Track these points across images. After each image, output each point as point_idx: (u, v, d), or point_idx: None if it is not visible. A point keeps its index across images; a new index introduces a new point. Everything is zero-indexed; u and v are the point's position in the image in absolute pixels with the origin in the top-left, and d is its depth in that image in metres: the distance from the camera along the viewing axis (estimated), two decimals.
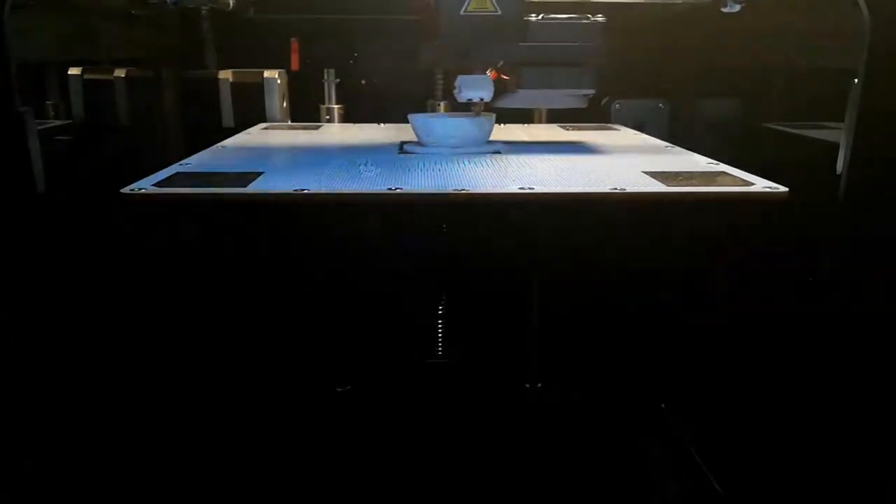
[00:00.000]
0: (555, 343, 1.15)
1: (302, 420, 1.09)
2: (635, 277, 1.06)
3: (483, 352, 1.16)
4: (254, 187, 0.70)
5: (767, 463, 0.88)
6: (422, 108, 1.20)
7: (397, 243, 0.94)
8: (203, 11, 1.24)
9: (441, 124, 0.92)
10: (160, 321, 1.01)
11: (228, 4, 1.15)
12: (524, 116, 1.24)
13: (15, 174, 0.68)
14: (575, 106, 0.92)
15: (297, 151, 0.93)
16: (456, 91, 0.90)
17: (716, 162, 0.84)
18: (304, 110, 1.26)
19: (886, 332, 0.71)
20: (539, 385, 1.17)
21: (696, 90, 1.20)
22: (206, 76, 1.20)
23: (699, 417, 1.07)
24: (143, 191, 0.69)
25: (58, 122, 1.10)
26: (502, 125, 1.13)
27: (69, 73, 1.12)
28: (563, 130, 1.15)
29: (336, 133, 1.13)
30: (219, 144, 0.97)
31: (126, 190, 0.68)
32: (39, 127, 0.73)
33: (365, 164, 0.81)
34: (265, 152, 0.93)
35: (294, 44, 1.25)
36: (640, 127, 1.21)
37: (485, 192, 0.69)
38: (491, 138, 0.96)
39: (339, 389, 1.15)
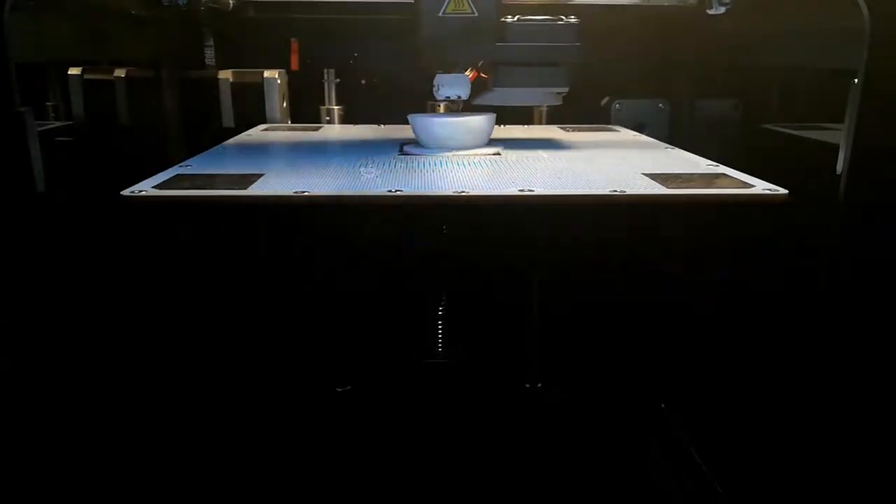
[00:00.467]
0: (555, 343, 1.15)
1: (302, 420, 1.09)
2: (635, 278, 1.06)
3: (483, 352, 1.16)
4: (254, 189, 0.70)
5: (767, 463, 0.88)
6: (421, 109, 1.20)
7: (397, 244, 0.94)
8: (203, 11, 1.23)
9: (441, 125, 0.92)
10: (161, 322, 1.01)
11: (228, 4, 1.15)
12: (524, 117, 1.24)
13: (15, 174, 0.68)
14: (550, 103, 0.94)
15: (298, 153, 0.94)
16: (434, 89, 0.93)
17: (715, 163, 0.84)
18: (305, 110, 1.26)
19: (886, 332, 0.71)
20: (539, 385, 1.17)
21: (697, 90, 1.20)
22: (206, 76, 1.20)
23: (699, 417, 1.08)
24: (144, 193, 0.69)
25: (58, 124, 1.10)
26: (502, 126, 1.13)
27: (69, 73, 1.12)
28: (562, 131, 1.15)
29: (336, 134, 1.13)
30: (219, 146, 0.97)
31: (126, 192, 0.69)
32: (40, 128, 0.73)
33: (365, 166, 0.81)
34: (265, 154, 0.93)
35: (294, 44, 1.25)
36: (640, 127, 1.21)
37: (484, 194, 0.69)
38: (492, 138, 0.96)
39: (339, 389, 1.15)
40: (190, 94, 1.20)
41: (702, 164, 0.84)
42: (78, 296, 0.83)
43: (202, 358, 1.06)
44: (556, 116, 1.25)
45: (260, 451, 1.02)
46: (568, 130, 1.16)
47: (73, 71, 1.13)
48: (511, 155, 0.91)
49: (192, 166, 0.82)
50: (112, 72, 1.14)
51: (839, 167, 0.74)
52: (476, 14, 0.88)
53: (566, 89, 0.93)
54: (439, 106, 1.15)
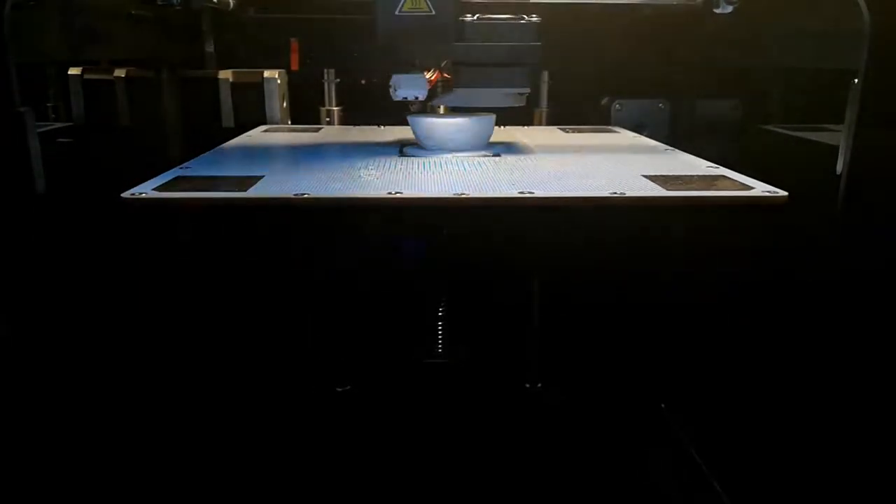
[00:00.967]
0: (555, 343, 1.15)
1: (302, 420, 1.09)
2: (635, 279, 1.06)
3: (483, 352, 1.17)
4: (254, 191, 0.70)
5: (767, 463, 0.89)
6: (421, 110, 1.20)
7: (398, 246, 0.94)
8: (203, 11, 1.24)
9: (440, 126, 0.92)
10: (162, 324, 1.01)
11: (228, 4, 1.15)
12: (524, 118, 1.24)
13: (15, 174, 0.68)
14: (512, 104, 0.93)
15: (298, 154, 0.94)
16: (391, 90, 0.92)
17: (715, 165, 0.84)
18: (304, 110, 1.26)
19: (886, 332, 0.72)
20: (539, 385, 1.17)
21: (697, 90, 1.20)
22: (206, 76, 1.20)
23: (699, 417, 1.08)
24: (144, 195, 0.69)
25: (58, 125, 1.10)
26: (502, 127, 1.13)
27: (69, 73, 1.12)
28: (562, 132, 1.15)
29: (336, 135, 1.13)
30: (219, 147, 0.97)
31: (127, 194, 0.69)
32: (40, 130, 0.73)
33: (365, 168, 0.81)
34: (265, 155, 0.93)
35: (294, 44, 1.25)
36: (640, 127, 1.21)
37: (485, 196, 0.69)
38: (491, 140, 0.96)
39: (339, 389, 1.15)
40: (190, 94, 1.20)
41: (701, 166, 0.84)
42: (78, 297, 0.83)
43: (203, 359, 1.06)
44: (556, 117, 1.25)
45: (260, 451, 1.02)
46: (567, 131, 1.16)
47: (73, 71, 1.13)
48: (511, 156, 0.91)
49: (192, 168, 0.82)
50: (112, 72, 1.14)
51: (839, 167, 0.74)
52: (434, 13, 0.86)
53: (528, 90, 0.91)
54: (439, 107, 1.15)
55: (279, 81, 1.19)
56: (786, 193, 0.70)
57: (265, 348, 1.11)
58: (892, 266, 0.71)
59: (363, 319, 1.14)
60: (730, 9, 0.98)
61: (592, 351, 1.14)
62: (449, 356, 1.17)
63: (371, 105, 1.26)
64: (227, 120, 1.19)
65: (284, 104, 1.22)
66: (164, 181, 0.74)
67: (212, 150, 0.94)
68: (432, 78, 0.92)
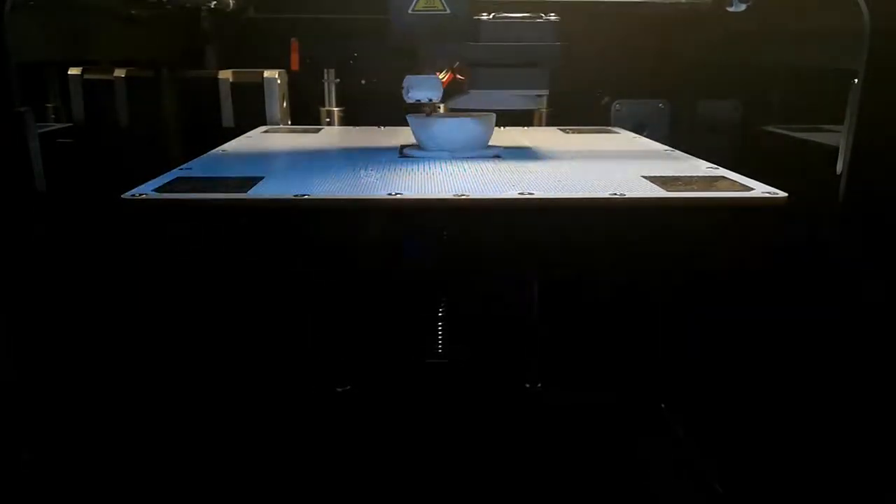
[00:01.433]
0: (555, 343, 1.15)
1: (302, 420, 1.09)
2: (635, 280, 1.06)
3: (483, 352, 1.17)
4: (254, 193, 0.70)
5: (767, 463, 0.89)
6: (421, 110, 1.20)
7: (397, 247, 0.94)
8: (203, 11, 1.24)
9: (440, 127, 0.92)
10: (162, 324, 1.01)
11: (228, 4, 1.15)
12: (524, 119, 1.24)
13: (15, 174, 0.68)
14: (530, 107, 0.92)
15: (298, 155, 0.94)
16: (404, 91, 0.90)
17: (715, 166, 0.84)
18: (304, 110, 1.26)
19: (886, 332, 0.72)
20: (539, 385, 1.17)
21: (697, 91, 1.20)
22: (206, 76, 1.20)
23: (699, 417, 1.08)
24: (144, 196, 0.69)
25: (58, 126, 1.10)
26: (502, 128, 1.13)
27: (69, 73, 1.12)
28: (562, 133, 1.15)
29: (336, 136, 1.13)
30: (219, 148, 0.97)
31: (127, 195, 0.69)
32: (40, 130, 0.73)
33: (365, 169, 0.81)
34: (266, 156, 0.93)
35: (294, 44, 1.25)
36: (640, 127, 1.21)
37: (485, 197, 0.70)
38: (491, 141, 0.96)
39: (339, 389, 1.15)
40: (190, 94, 1.20)
41: (701, 167, 0.85)
42: (78, 298, 0.83)
43: (203, 359, 1.06)
44: (557, 117, 1.25)
45: (260, 451, 1.02)
46: (567, 132, 1.16)
47: (73, 71, 1.13)
48: (511, 158, 0.91)
49: (193, 169, 0.82)
50: (112, 72, 1.14)
51: (839, 167, 0.74)
52: (448, 11, 0.84)
53: (546, 92, 0.89)
54: (439, 107, 1.15)
55: (279, 81, 1.19)
56: (786, 195, 0.70)
57: (265, 349, 1.11)
58: (892, 266, 0.71)
59: (363, 319, 1.14)
60: (743, 7, 0.98)
61: (592, 351, 1.14)
62: (449, 356, 1.17)
63: (371, 105, 1.27)
64: (227, 120, 1.19)
65: (284, 104, 1.22)
66: (164, 182, 0.74)
67: (212, 152, 0.94)
68: (445, 79, 0.89)
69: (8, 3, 0.64)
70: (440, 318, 1.16)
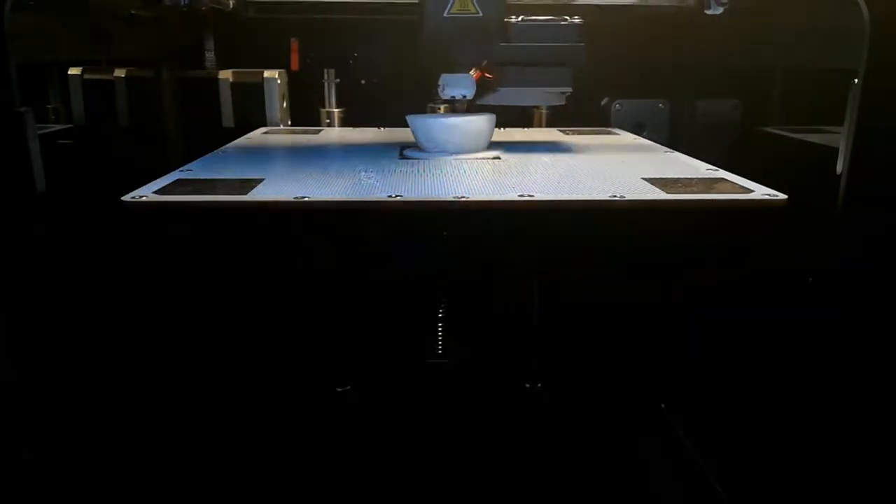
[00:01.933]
0: (555, 344, 1.15)
1: (302, 420, 1.09)
2: (634, 281, 1.06)
3: (483, 352, 1.17)
4: (254, 195, 0.70)
5: (767, 463, 0.89)
6: (421, 110, 1.20)
7: (397, 248, 0.94)
8: (203, 11, 1.23)
9: (439, 127, 0.92)
10: (163, 325, 1.01)
11: (228, 4, 1.15)
12: (524, 120, 1.24)
13: (15, 174, 0.68)
14: (554, 103, 0.96)
15: (298, 157, 0.94)
16: (439, 89, 0.93)
17: (715, 168, 0.84)
18: (304, 111, 1.26)
19: (886, 333, 0.72)
20: (539, 385, 1.17)
21: (697, 90, 1.20)
22: (206, 76, 1.20)
23: (699, 417, 1.08)
24: (145, 198, 0.69)
25: (59, 127, 1.10)
26: (502, 129, 1.13)
27: (69, 73, 1.12)
28: (562, 134, 1.15)
29: (336, 137, 1.13)
30: (219, 149, 0.97)
31: (127, 197, 0.69)
32: (41, 132, 0.73)
33: (365, 171, 0.81)
34: (266, 158, 0.93)
35: (294, 44, 1.25)
36: (640, 127, 1.21)
37: (484, 199, 0.70)
38: (491, 141, 0.96)
39: (339, 389, 1.15)
40: (190, 94, 1.20)
41: (701, 169, 0.85)
42: (78, 299, 0.83)
43: (204, 360, 1.06)
44: (557, 117, 1.25)
45: (260, 451, 1.02)
46: (567, 133, 1.16)
47: (73, 71, 1.13)
48: (511, 159, 0.91)
49: (193, 171, 0.82)
50: (112, 72, 1.14)
51: (839, 167, 0.74)
52: (481, 14, 0.89)
53: (570, 89, 0.93)
54: (439, 107, 1.15)
55: (279, 81, 1.19)
56: (785, 197, 0.70)
57: (266, 349, 1.11)
58: (892, 266, 0.71)
59: (363, 320, 1.15)
60: (720, 10, 0.99)
61: (592, 351, 1.14)
62: (449, 356, 1.17)
63: (371, 106, 1.27)
64: (227, 120, 1.19)
65: (284, 104, 1.22)
66: (164, 184, 0.74)
67: (212, 153, 0.94)
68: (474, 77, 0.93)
69: (8, 3, 0.64)
70: (440, 319, 1.16)
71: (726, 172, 0.81)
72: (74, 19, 0.93)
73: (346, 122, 1.26)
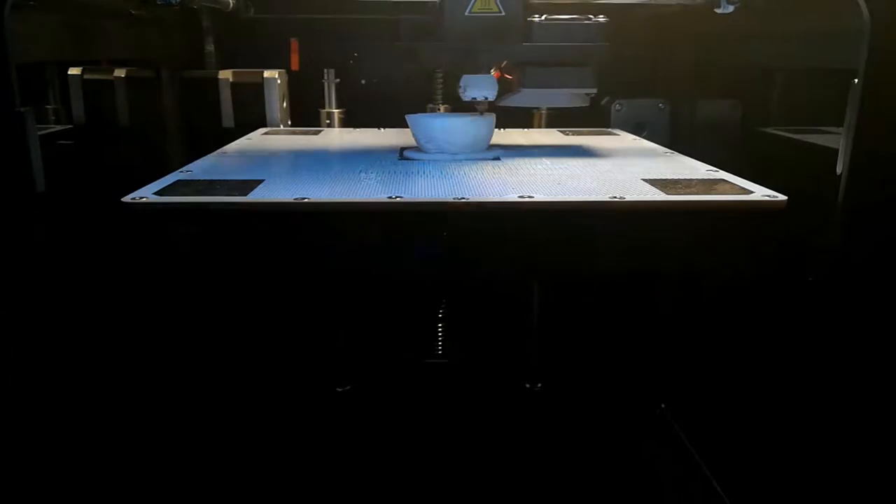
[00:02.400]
0: (555, 344, 1.15)
1: (302, 420, 1.09)
2: (635, 281, 1.06)
3: (483, 352, 1.17)
4: (255, 196, 0.70)
5: (767, 463, 0.89)
6: (422, 110, 1.20)
7: (397, 249, 0.94)
8: (203, 11, 1.23)
9: (439, 128, 0.92)
10: (163, 325, 1.01)
11: (228, 4, 1.15)
12: (524, 120, 1.24)
13: (15, 174, 0.68)
14: (577, 105, 0.94)
15: (298, 158, 0.94)
16: (461, 90, 0.92)
17: (715, 169, 0.84)
18: (304, 110, 1.26)
19: (886, 334, 0.72)
20: (539, 385, 1.17)
21: (697, 90, 1.20)
22: (206, 76, 1.20)
23: (699, 417, 1.08)
24: (145, 199, 0.69)
25: (59, 127, 1.10)
26: (502, 130, 1.13)
27: (69, 73, 1.12)
28: (562, 135, 1.15)
29: (336, 138, 1.13)
30: (219, 150, 0.97)
31: (127, 199, 0.69)
32: (41, 132, 0.73)
33: (365, 172, 0.81)
34: (266, 159, 0.93)
35: (294, 44, 1.25)
36: (640, 127, 1.21)
37: (484, 200, 0.70)
38: (491, 142, 0.96)
39: (339, 389, 1.15)
40: (190, 94, 1.20)
41: (701, 170, 0.85)
42: (78, 300, 0.83)
43: (204, 360, 1.06)
44: (557, 117, 1.25)
45: (261, 451, 1.02)
46: (567, 134, 1.16)
47: (73, 71, 1.13)
48: (511, 160, 0.91)
49: (193, 172, 0.82)
50: (112, 72, 1.14)
51: (839, 168, 0.74)
52: (503, 13, 0.87)
53: (594, 90, 0.92)
54: (440, 109, 1.15)
55: (279, 81, 1.19)
56: (785, 198, 0.70)
57: (266, 349, 1.11)
58: (892, 267, 0.71)
59: (363, 320, 1.15)
60: (731, 9, 0.98)
61: (593, 352, 1.15)
62: (449, 356, 1.17)
63: (371, 106, 1.27)
64: (227, 120, 1.19)
65: (284, 104, 1.22)
66: (164, 185, 0.74)
67: (212, 154, 0.94)
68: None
69: (8, 4, 0.64)
70: (440, 319, 1.16)
71: (726, 173, 0.81)
72: (74, 19, 0.93)
73: (345, 122, 1.26)
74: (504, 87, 0.93)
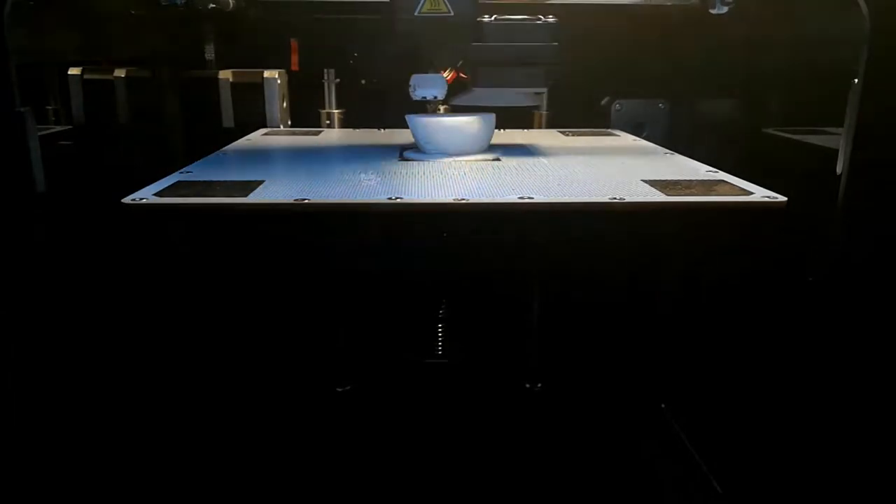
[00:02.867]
0: (555, 344, 1.15)
1: (302, 420, 1.09)
2: (634, 282, 1.06)
3: (483, 352, 1.17)
4: (255, 197, 0.70)
5: (767, 463, 0.89)
6: (422, 111, 1.20)
7: (397, 250, 0.95)
8: (203, 11, 1.23)
9: (439, 128, 0.92)
10: (164, 326, 1.01)
11: (228, 4, 1.15)
12: (524, 121, 1.24)
13: (15, 174, 0.68)
14: (527, 104, 0.96)
15: (298, 159, 0.94)
16: (410, 90, 0.92)
17: (715, 170, 0.84)
18: (304, 111, 1.26)
19: (886, 334, 0.72)
20: (539, 385, 1.17)
21: (697, 90, 1.20)
22: (206, 76, 1.20)
23: (699, 417, 1.08)
24: (145, 201, 0.69)
25: (59, 128, 1.10)
26: (502, 130, 1.13)
27: (69, 72, 1.12)
28: (562, 136, 1.15)
29: (336, 139, 1.13)
30: (219, 151, 0.97)
31: (127, 200, 0.69)
32: (41, 133, 0.73)
33: (365, 173, 0.81)
34: (266, 160, 0.93)
35: (294, 44, 1.25)
36: (640, 127, 1.21)
37: (484, 201, 0.70)
38: (491, 143, 0.96)
39: (339, 389, 1.15)
40: (190, 94, 1.20)
41: (701, 171, 0.85)
42: (78, 301, 0.83)
43: (204, 361, 1.06)
44: (557, 116, 1.25)
45: (261, 451, 1.03)
46: (567, 134, 1.16)
47: (73, 71, 1.13)
48: (511, 161, 0.91)
49: (193, 173, 0.82)
50: (112, 72, 1.14)
51: (839, 168, 0.74)
52: (452, 13, 0.87)
53: (544, 89, 0.92)
54: (439, 108, 1.15)
55: (279, 81, 1.19)
56: (785, 199, 0.70)
57: (266, 350, 1.11)
58: (892, 267, 0.71)
59: (363, 320, 1.15)
60: (725, 9, 0.99)
61: (593, 351, 1.15)
62: (449, 356, 1.17)
63: (371, 106, 1.26)
64: (227, 120, 1.19)
65: (284, 104, 1.22)
66: (164, 186, 0.74)
67: (212, 155, 0.94)
68: (449, 77, 0.92)
69: (8, 4, 0.64)
70: (440, 319, 1.16)
71: (726, 174, 0.81)
72: (74, 19, 0.93)
73: (345, 122, 1.26)
74: (458, 87, 0.94)
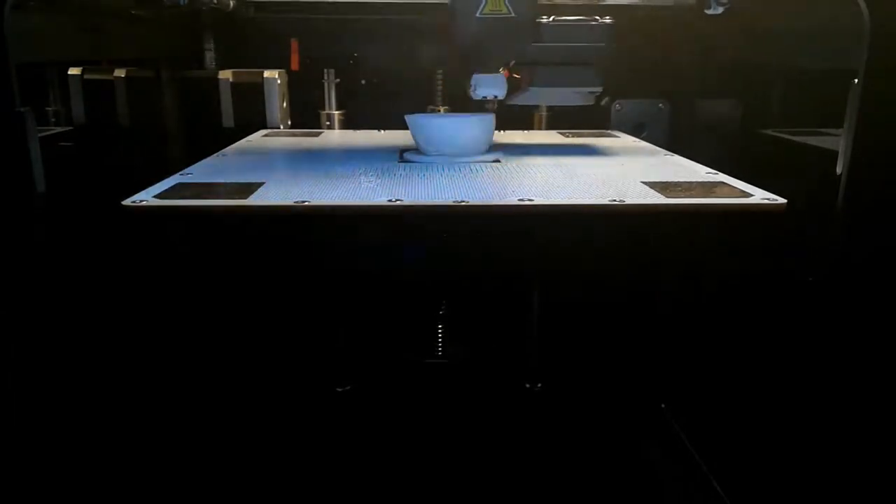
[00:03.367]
0: (555, 344, 1.15)
1: (302, 420, 1.09)
2: (634, 283, 1.06)
3: (483, 352, 1.17)
4: (255, 198, 0.70)
5: (767, 463, 0.89)
6: (422, 111, 1.20)
7: (397, 251, 0.95)
8: (203, 11, 1.23)
9: (439, 129, 0.92)
10: (164, 327, 1.01)
11: (228, 4, 1.15)
12: (524, 122, 1.24)
13: (15, 174, 0.68)
14: (583, 103, 0.97)
15: (298, 160, 0.94)
16: (471, 89, 0.94)
17: (715, 171, 0.84)
18: (304, 111, 1.26)
19: (887, 334, 0.72)
20: (539, 385, 1.17)
21: (697, 91, 1.20)
22: (206, 76, 1.20)
23: (699, 417, 1.08)
24: (145, 203, 0.69)
25: (59, 129, 1.10)
26: (502, 131, 1.13)
27: (69, 73, 1.12)
28: (562, 137, 1.15)
29: (336, 140, 1.13)
30: (220, 152, 0.97)
31: (127, 202, 0.69)
32: (42, 134, 0.73)
33: (365, 174, 0.81)
34: (266, 161, 0.93)
35: (294, 44, 1.25)
36: (640, 127, 1.21)
37: (484, 203, 0.70)
38: (491, 144, 0.96)
39: (339, 389, 1.15)
40: (190, 94, 1.20)
41: (701, 172, 0.85)
42: (78, 303, 0.83)
43: (205, 361, 1.06)
44: (557, 116, 1.25)
45: (261, 451, 1.03)
46: (567, 136, 1.16)
47: (73, 71, 1.13)
48: (511, 162, 0.91)
49: (193, 174, 0.82)
50: (112, 72, 1.14)
51: (839, 168, 0.74)
52: (513, 14, 0.89)
53: (600, 89, 0.95)
54: (440, 110, 1.15)
55: (279, 81, 1.19)
56: (784, 201, 0.71)
57: (266, 350, 1.11)
58: (892, 267, 0.71)
59: (363, 320, 1.15)
60: (721, 10, 0.99)
61: (592, 351, 1.15)
62: (449, 356, 1.17)
63: (371, 106, 1.27)
64: (227, 120, 1.19)
65: (284, 104, 1.22)
66: (165, 188, 0.74)
67: (212, 156, 0.94)
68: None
69: (8, 4, 0.64)
70: (440, 319, 1.16)
71: (726, 176, 0.81)
72: (74, 19, 0.93)
73: (345, 123, 1.26)
74: (513, 86, 0.95)
